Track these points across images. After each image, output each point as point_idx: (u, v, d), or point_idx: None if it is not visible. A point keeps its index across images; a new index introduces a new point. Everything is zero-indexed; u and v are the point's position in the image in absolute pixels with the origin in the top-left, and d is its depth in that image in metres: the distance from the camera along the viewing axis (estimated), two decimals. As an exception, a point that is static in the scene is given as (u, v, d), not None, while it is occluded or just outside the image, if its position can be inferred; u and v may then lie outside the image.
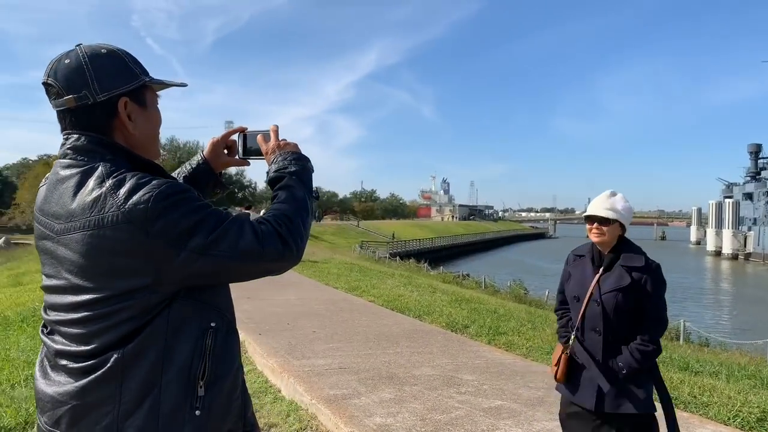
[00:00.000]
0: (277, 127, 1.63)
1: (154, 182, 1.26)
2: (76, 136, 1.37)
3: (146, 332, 1.26)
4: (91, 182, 1.28)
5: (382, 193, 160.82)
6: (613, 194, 3.00)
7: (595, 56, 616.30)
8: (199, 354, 1.31)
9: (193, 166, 1.71)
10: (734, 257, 79.10)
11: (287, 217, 1.39)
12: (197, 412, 1.30)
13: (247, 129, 1.69)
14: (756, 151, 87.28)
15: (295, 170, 1.52)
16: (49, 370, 1.35)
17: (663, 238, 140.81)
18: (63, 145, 1.39)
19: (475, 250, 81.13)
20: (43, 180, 1.44)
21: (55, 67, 1.36)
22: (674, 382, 6.03)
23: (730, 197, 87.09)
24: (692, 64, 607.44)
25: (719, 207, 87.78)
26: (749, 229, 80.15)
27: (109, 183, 1.26)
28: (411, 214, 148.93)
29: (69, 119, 1.38)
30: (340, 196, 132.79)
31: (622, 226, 2.96)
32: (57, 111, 1.39)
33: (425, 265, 32.89)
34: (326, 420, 4.50)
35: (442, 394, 5.19)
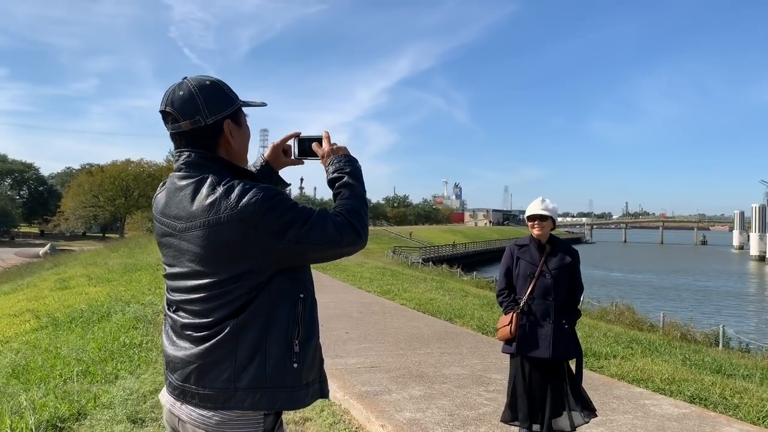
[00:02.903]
0: (328, 133, 1.89)
1: (256, 187, 1.55)
2: (188, 153, 1.65)
3: (254, 305, 1.56)
4: (204, 189, 1.56)
5: (415, 199, 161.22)
6: (544, 200, 4.00)
7: (633, 58, 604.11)
8: (294, 319, 1.61)
9: (257, 167, 1.94)
10: (779, 262, 76.54)
11: (355, 210, 1.68)
12: (295, 365, 1.61)
13: (300, 134, 1.92)
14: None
15: (350, 170, 1.79)
16: (175, 338, 1.66)
17: (704, 242, 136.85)
18: (177, 160, 1.68)
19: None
20: (159, 189, 1.74)
21: (171, 97, 1.64)
22: (705, 384, 6.05)
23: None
24: (733, 63, 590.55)
25: (763, 210, 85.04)
26: (795, 233, 77.44)
27: (220, 189, 1.54)
28: (444, 220, 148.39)
29: (183, 140, 1.66)
30: (373, 201, 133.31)
31: (554, 222, 4.00)
32: (171, 133, 1.67)
33: (458, 270, 32.89)
34: (358, 414, 4.70)
35: (470, 391, 5.33)
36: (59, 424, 4.34)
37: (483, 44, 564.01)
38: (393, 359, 6.61)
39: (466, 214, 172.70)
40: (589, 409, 3.91)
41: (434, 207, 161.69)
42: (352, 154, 1.87)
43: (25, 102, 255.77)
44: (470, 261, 56.65)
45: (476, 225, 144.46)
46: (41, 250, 44.38)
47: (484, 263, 62.25)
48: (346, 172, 1.77)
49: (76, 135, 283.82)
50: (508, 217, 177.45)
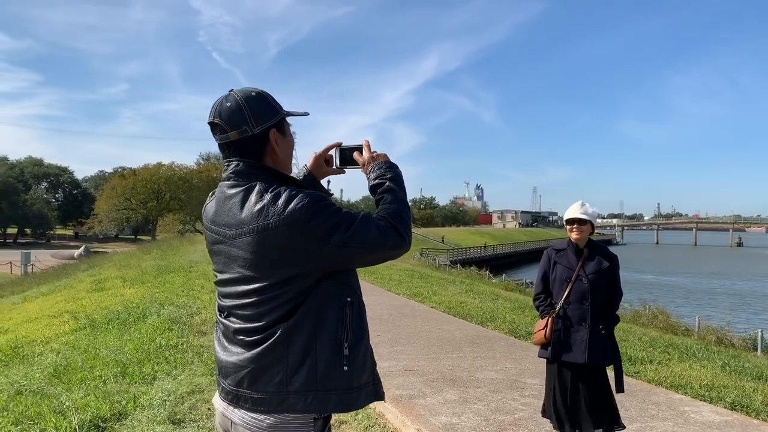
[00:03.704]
0: (368, 141, 1.93)
1: (302, 193, 1.59)
2: (236, 162, 1.70)
3: (302, 308, 1.60)
4: (253, 197, 1.61)
5: (442, 200, 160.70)
6: (584, 204, 3.95)
7: (663, 56, 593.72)
8: (342, 322, 1.64)
9: (300, 177, 1.98)
10: (819, 264, 74.15)
11: (398, 214, 1.71)
12: (345, 368, 1.64)
13: (341, 144, 1.97)
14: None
15: (391, 176, 1.82)
16: (227, 344, 1.70)
17: (739, 244, 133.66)
18: (226, 169, 1.72)
19: (539, 258, 79.47)
20: (209, 198, 1.79)
21: (219, 109, 1.68)
22: (746, 390, 5.91)
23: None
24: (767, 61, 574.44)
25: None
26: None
27: (268, 196, 1.59)
28: (471, 221, 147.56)
29: (231, 149, 1.71)
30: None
31: (593, 226, 3.93)
32: (220, 144, 1.72)
33: (486, 272, 32.67)
34: (393, 418, 4.70)
35: (505, 396, 5.29)
36: (101, 424, 4.43)
37: (510, 43, 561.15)
38: (426, 363, 6.60)
39: (494, 216, 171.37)
40: (616, 423, 3.79)
41: (461, 209, 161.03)
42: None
43: (58, 107, 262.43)
44: (498, 263, 56.22)
45: (504, 227, 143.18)
46: (76, 252, 45.35)
47: (513, 265, 61.62)
48: (388, 178, 1.81)
49: (107, 139, 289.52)
50: (536, 219, 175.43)
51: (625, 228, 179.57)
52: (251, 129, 1.66)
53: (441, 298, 13.00)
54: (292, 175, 1.86)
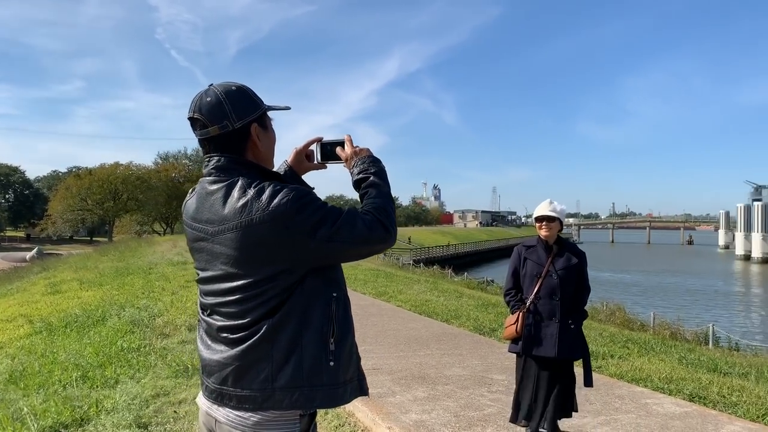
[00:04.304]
0: (350, 136, 1.91)
1: (286, 188, 1.56)
2: (217, 157, 1.66)
3: (288, 305, 1.57)
4: (236, 192, 1.58)
5: (404, 200, 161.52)
6: (552, 201, 4.07)
7: (619, 59, 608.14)
8: (328, 318, 1.62)
9: (281, 172, 1.93)
10: (764, 261, 77.31)
11: (383, 208, 1.70)
12: (331, 363, 1.62)
13: (322, 138, 1.95)
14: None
15: (375, 171, 1.81)
16: (210, 342, 1.67)
17: (690, 242, 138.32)
18: (207, 165, 1.69)
19: (499, 256, 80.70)
20: (189, 195, 1.75)
21: (199, 104, 1.65)
22: (703, 382, 6.11)
23: (758, 200, 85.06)
24: (718, 65, 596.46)
25: (748, 210, 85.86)
26: (780, 232, 78.36)
27: (251, 192, 1.56)
28: (433, 221, 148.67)
29: (211, 144, 1.68)
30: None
31: (561, 223, 4.05)
32: (200, 139, 1.69)
33: (449, 271, 32.95)
34: (364, 417, 4.70)
35: (474, 392, 5.35)
36: (62, 430, 4.30)
37: (470, 46, 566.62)
38: (394, 361, 6.62)
39: (456, 215, 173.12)
40: (570, 410, 3.96)
41: (424, 209, 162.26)
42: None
43: (8, 105, 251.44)
44: (460, 262, 56.79)
45: (465, 226, 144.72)
46: (28, 255, 43.98)
47: (474, 264, 62.43)
48: (371, 173, 1.80)
49: (62, 138, 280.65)
50: (495, 218, 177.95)
51: (582, 227, 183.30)
52: (232, 124, 1.63)
53: (406, 296, 13.05)
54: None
